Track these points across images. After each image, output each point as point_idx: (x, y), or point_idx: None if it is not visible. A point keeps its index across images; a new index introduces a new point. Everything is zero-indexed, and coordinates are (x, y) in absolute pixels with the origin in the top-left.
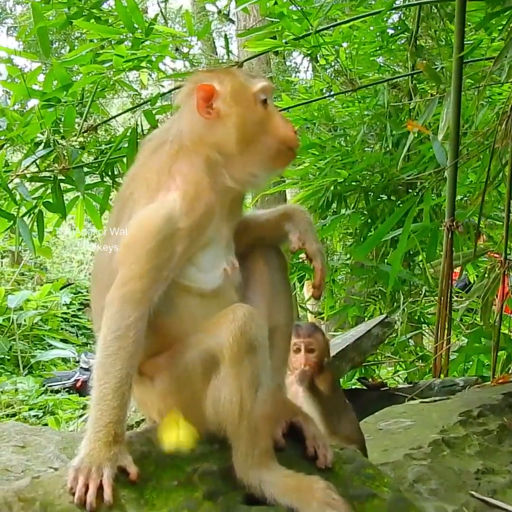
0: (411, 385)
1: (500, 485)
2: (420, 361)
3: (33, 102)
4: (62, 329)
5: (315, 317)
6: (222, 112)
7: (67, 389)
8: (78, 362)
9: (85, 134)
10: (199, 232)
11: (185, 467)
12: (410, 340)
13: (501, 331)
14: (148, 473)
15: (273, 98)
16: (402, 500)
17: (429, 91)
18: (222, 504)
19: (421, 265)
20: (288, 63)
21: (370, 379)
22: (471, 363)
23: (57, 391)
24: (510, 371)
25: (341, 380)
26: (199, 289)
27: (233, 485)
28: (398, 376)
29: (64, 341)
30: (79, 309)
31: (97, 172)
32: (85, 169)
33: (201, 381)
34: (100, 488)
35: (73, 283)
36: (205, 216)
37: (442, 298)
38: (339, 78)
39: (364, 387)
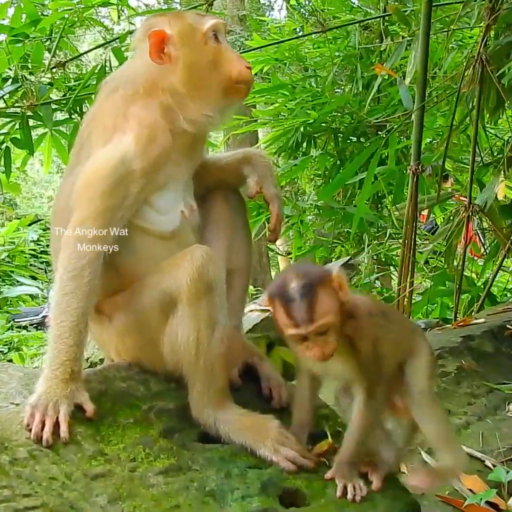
0: None
1: (456, 426)
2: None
3: (1, 37)
4: (30, 265)
5: (285, 255)
6: (173, 55)
7: (35, 325)
8: (47, 298)
9: (53, 71)
10: (154, 173)
11: (141, 404)
12: (376, 281)
13: (464, 274)
14: (105, 410)
15: (241, 37)
16: None
17: (400, 33)
18: (177, 442)
19: (388, 208)
20: (262, 1)
21: None
22: (435, 305)
23: (25, 327)
24: (472, 314)
25: None
26: (156, 231)
27: (189, 423)
28: None
29: (33, 277)
30: (48, 246)
31: (65, 109)
32: (53, 106)
33: (159, 321)
34: (56, 425)
35: (42, 219)
36: (160, 158)
37: (406, 240)
38: (311, 18)
39: None
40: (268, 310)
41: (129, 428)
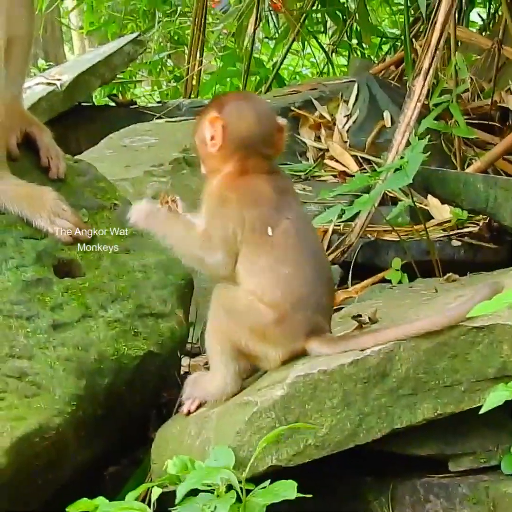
0: (160, 104)
1: None
2: (176, 82)
3: None
4: None
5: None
6: None
7: None
8: None
9: None
10: None
11: None
12: (169, 60)
13: (254, 56)
14: None
15: None
16: None
17: None
18: None
19: None
20: None
21: (119, 96)
22: (224, 86)
23: None
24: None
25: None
26: None
27: None
28: (150, 94)
29: None
30: None
31: None
32: None
33: None
34: None
35: None
36: None
37: (196, 18)
38: None
39: (113, 104)
40: (54, 84)
41: None
